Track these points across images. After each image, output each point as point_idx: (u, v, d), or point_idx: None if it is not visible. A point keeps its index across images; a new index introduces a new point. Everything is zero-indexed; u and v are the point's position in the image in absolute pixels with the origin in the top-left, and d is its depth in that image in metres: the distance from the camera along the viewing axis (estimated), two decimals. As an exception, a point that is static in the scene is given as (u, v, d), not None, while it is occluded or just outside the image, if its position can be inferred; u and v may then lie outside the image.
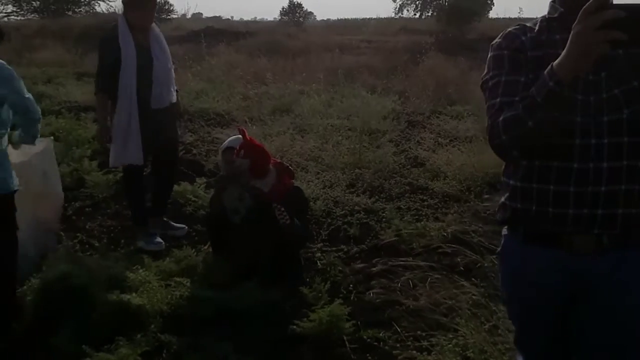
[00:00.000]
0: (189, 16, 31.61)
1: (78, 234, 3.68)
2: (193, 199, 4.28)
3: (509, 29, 1.47)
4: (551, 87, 1.21)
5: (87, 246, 3.53)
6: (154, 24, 3.53)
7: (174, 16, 28.21)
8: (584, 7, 1.13)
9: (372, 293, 2.99)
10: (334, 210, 4.15)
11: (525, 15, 25.72)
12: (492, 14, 24.99)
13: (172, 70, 3.64)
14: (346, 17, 41.33)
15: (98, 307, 2.58)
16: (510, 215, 1.46)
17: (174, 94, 3.65)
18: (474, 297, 2.80)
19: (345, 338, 2.55)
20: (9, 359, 2.42)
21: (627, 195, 1.32)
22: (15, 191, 2.55)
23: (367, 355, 2.47)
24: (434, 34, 17.56)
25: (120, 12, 3.69)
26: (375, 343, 2.55)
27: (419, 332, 2.57)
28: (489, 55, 1.47)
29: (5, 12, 24.29)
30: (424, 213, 4.15)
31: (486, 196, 4.42)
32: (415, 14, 25.98)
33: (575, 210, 1.33)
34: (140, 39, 3.41)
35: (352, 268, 3.30)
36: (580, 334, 1.46)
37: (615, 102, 1.31)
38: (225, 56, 12.20)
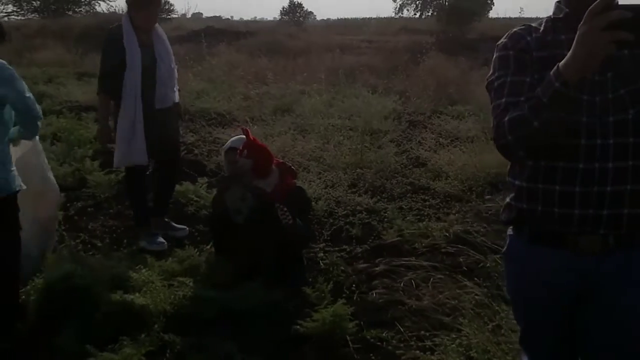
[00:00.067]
0: (189, 16, 31.81)
1: (80, 234, 3.67)
2: (195, 199, 4.27)
3: (515, 29, 1.47)
4: (557, 88, 1.21)
5: (89, 246, 3.53)
6: (157, 24, 3.53)
7: (174, 16, 28.33)
8: (590, 7, 1.14)
9: (375, 293, 2.98)
10: (336, 210, 4.15)
11: (525, 15, 25.77)
12: (492, 14, 25.08)
13: (175, 70, 3.65)
14: (346, 17, 41.40)
15: (101, 307, 2.57)
16: (516, 216, 1.47)
17: (177, 93, 3.66)
18: (477, 297, 2.80)
19: (348, 338, 2.55)
20: (12, 358, 2.42)
21: (632, 196, 1.32)
22: (17, 191, 2.55)
23: (370, 355, 2.46)
24: (434, 34, 17.58)
25: (123, 12, 3.69)
26: (379, 343, 2.54)
27: (422, 332, 2.57)
28: (494, 56, 1.47)
29: (6, 12, 24.36)
30: (426, 213, 4.15)
31: (488, 196, 4.42)
32: (415, 14, 26.07)
33: (581, 210, 1.33)
34: (144, 39, 3.41)
35: (355, 268, 3.29)
36: (585, 334, 1.46)
37: (621, 103, 1.31)
38: (225, 56, 12.21)
